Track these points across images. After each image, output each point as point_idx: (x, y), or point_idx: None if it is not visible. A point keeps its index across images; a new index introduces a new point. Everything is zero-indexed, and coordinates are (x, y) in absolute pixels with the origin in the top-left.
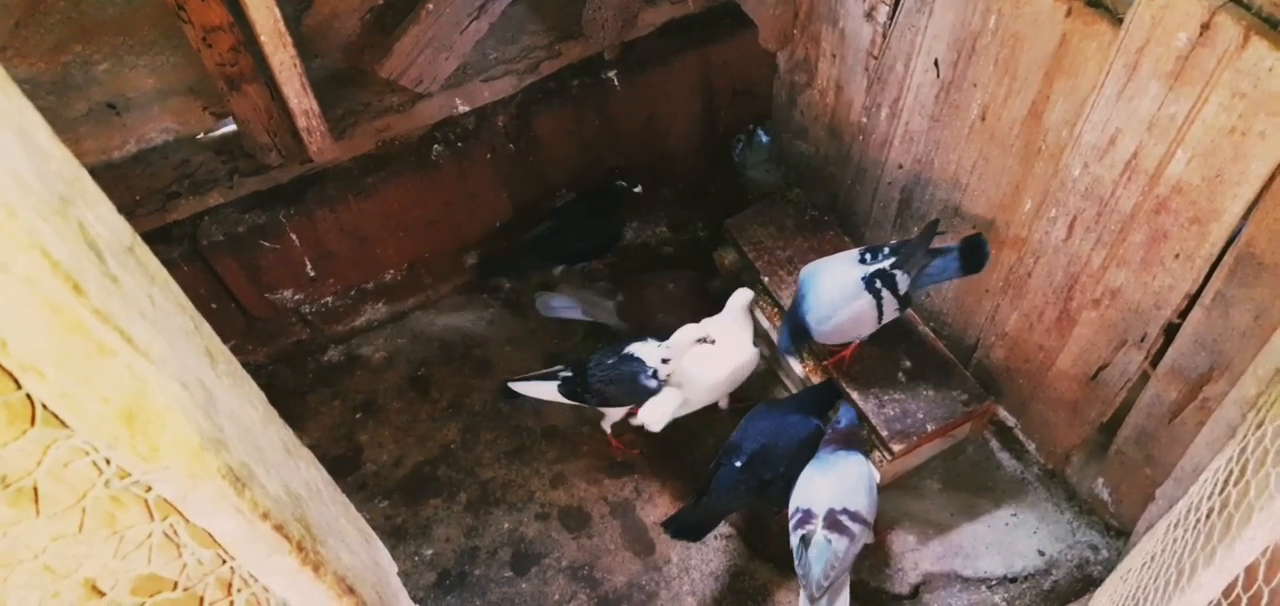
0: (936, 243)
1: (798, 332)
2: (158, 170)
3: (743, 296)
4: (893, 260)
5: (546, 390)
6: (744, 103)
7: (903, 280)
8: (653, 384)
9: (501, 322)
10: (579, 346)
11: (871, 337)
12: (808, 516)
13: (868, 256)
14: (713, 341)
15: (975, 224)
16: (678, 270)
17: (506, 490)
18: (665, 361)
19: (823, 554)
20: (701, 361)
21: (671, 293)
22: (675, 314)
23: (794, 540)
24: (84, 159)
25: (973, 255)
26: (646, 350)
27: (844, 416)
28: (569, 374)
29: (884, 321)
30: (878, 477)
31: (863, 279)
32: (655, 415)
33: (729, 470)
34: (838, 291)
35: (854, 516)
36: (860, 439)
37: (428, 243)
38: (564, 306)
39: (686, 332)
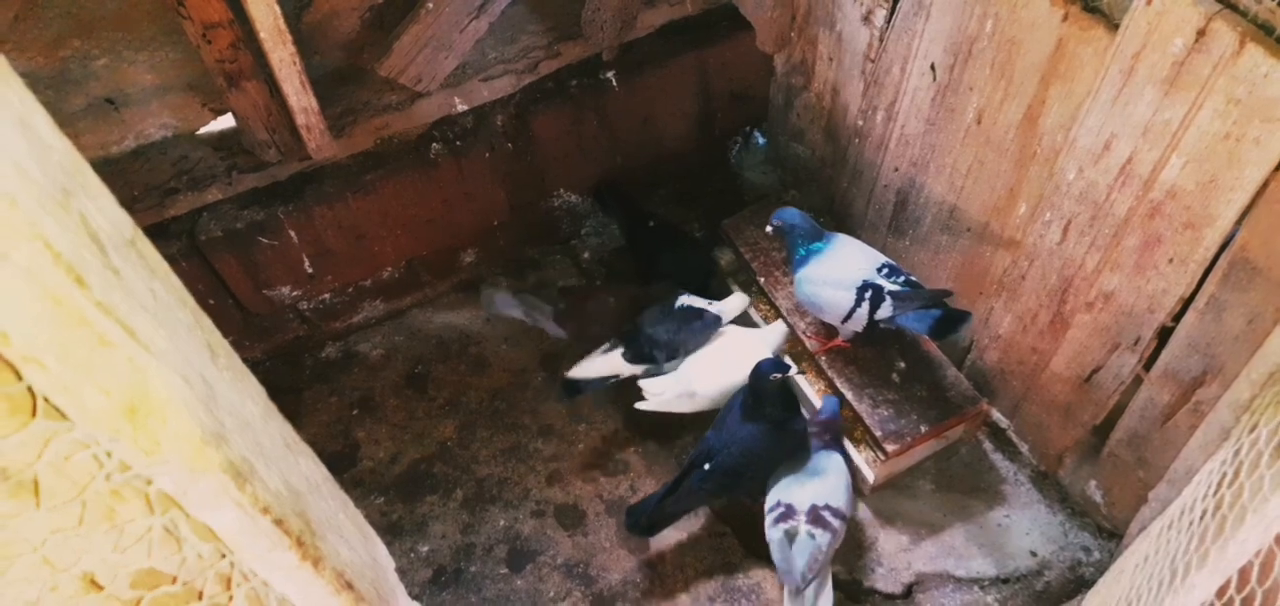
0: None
1: (792, 252)
2: (156, 166)
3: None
4: (897, 290)
5: (610, 365)
6: (741, 105)
7: (886, 309)
8: (714, 326)
9: (498, 321)
10: (576, 344)
11: (866, 338)
12: (789, 511)
13: (885, 270)
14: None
15: (970, 226)
16: (620, 286)
17: (502, 488)
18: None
19: (806, 548)
20: (723, 362)
21: (611, 307)
22: (611, 327)
23: (775, 534)
24: (83, 154)
25: (948, 327)
26: (696, 300)
27: (826, 406)
28: (629, 343)
29: (846, 326)
30: (872, 478)
31: (861, 281)
32: (655, 389)
33: (699, 475)
34: (837, 272)
35: (836, 512)
36: (840, 430)
37: (426, 241)
38: (507, 304)
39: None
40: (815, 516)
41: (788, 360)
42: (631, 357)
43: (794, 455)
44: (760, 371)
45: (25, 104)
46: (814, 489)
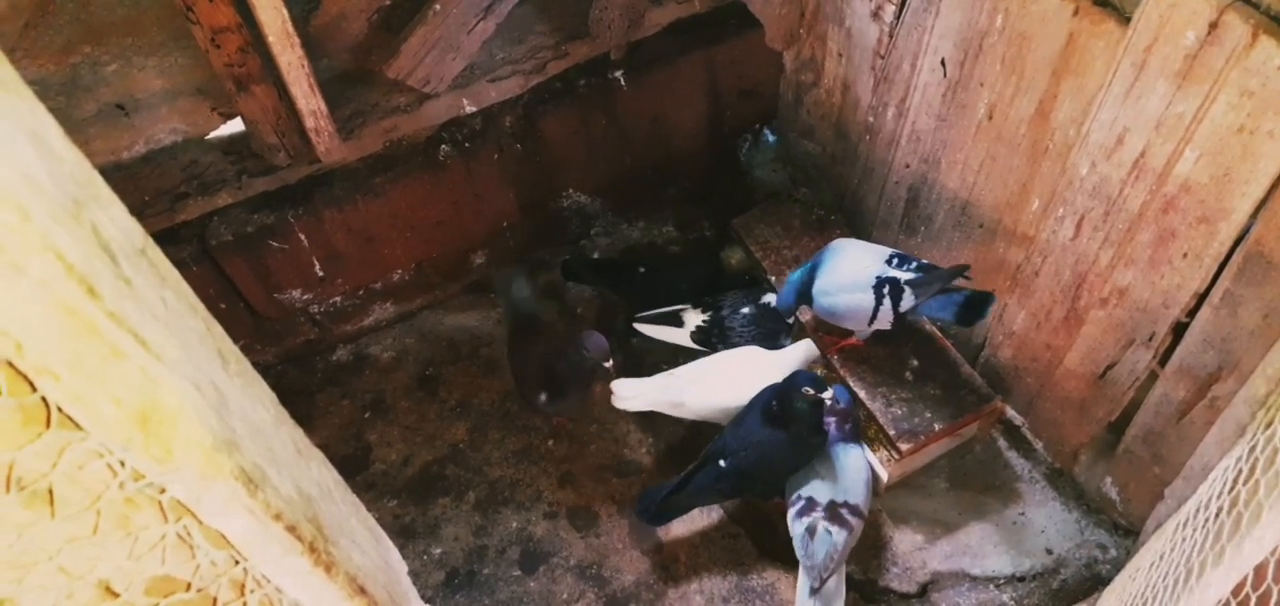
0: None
1: (802, 292)
2: (166, 171)
3: (812, 352)
4: (913, 278)
5: (673, 335)
6: (750, 102)
7: (908, 299)
8: (787, 341)
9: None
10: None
11: (878, 336)
12: (811, 504)
13: (895, 261)
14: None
15: (983, 222)
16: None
17: (515, 489)
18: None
19: (824, 544)
20: (726, 379)
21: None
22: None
23: (798, 528)
24: (93, 160)
25: (974, 310)
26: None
27: (836, 407)
28: (704, 325)
29: (875, 326)
30: (886, 477)
31: (876, 278)
32: (629, 397)
33: (712, 471)
34: (849, 275)
35: (853, 510)
36: (856, 423)
37: (435, 243)
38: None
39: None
40: (834, 513)
41: (823, 378)
42: (698, 338)
43: (811, 460)
44: (796, 381)
45: (36, 115)
46: (833, 485)
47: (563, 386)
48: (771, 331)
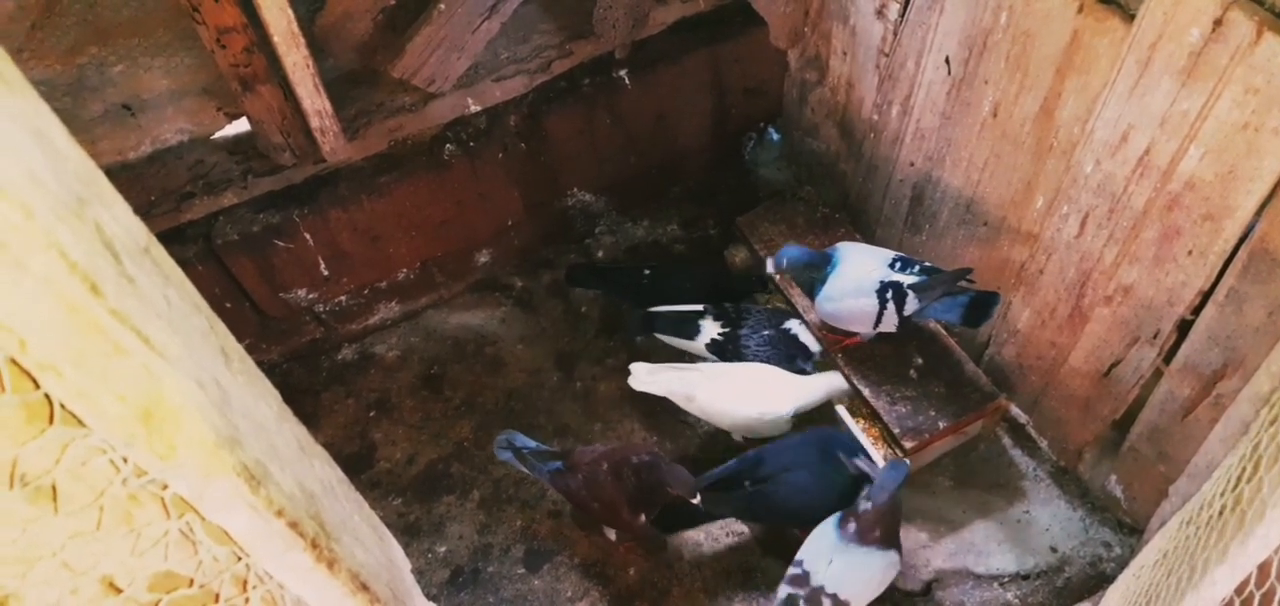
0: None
1: (805, 285)
2: (172, 170)
3: (838, 384)
4: (915, 281)
5: (686, 344)
6: (755, 100)
7: (911, 303)
8: (807, 368)
9: (514, 321)
10: (592, 343)
11: (882, 334)
12: (804, 579)
13: (898, 264)
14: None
15: (987, 220)
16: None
17: (519, 487)
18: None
19: None
20: (741, 391)
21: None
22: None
23: (780, 593)
24: (99, 160)
25: (979, 312)
26: (805, 334)
27: (886, 483)
28: (720, 338)
29: (879, 330)
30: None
31: (879, 283)
32: (644, 378)
33: (764, 490)
34: (852, 281)
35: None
36: (897, 519)
37: (440, 242)
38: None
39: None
40: (816, 601)
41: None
42: (712, 350)
43: (837, 496)
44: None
45: (40, 115)
46: (837, 573)
47: (657, 497)
48: (788, 356)
